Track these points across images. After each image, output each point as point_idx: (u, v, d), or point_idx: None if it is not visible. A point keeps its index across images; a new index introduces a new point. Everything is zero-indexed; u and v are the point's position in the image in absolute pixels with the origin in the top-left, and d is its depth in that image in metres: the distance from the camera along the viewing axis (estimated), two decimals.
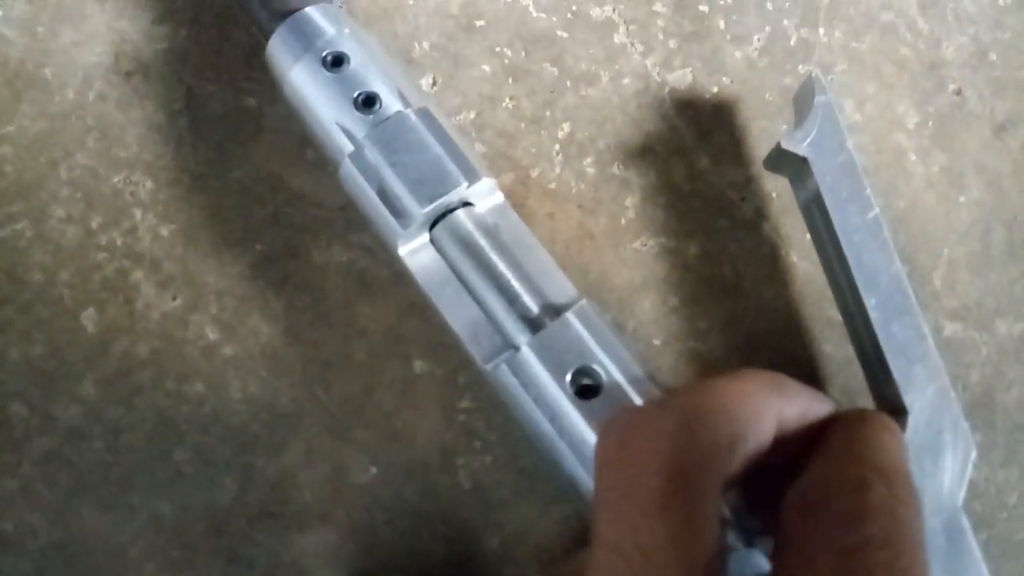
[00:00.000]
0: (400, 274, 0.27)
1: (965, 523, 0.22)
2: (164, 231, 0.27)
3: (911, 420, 0.23)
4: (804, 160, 0.25)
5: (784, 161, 0.26)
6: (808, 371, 0.27)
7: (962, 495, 0.23)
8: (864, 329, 0.24)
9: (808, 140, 0.25)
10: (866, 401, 0.25)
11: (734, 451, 0.18)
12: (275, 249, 0.27)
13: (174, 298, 0.26)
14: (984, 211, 0.30)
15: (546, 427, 0.23)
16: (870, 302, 0.24)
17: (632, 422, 0.19)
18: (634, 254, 0.28)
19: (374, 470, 0.25)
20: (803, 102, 0.27)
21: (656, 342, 0.27)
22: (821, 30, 0.32)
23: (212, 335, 0.26)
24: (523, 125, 0.30)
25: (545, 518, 0.25)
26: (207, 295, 0.27)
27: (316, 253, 0.27)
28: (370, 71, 0.26)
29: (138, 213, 0.27)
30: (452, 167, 0.24)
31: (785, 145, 0.25)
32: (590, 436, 0.22)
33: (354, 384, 0.26)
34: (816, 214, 0.25)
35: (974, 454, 0.23)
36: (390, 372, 0.26)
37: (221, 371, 0.26)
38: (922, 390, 0.23)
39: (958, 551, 0.22)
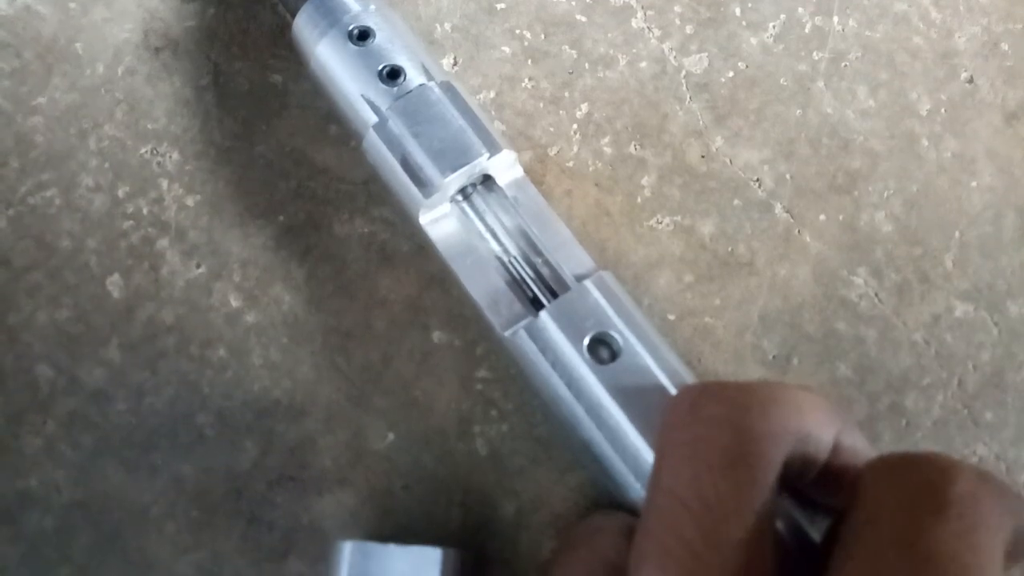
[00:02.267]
0: (420, 247, 0.27)
1: None
2: (190, 201, 0.28)
3: None
4: None
5: None
6: (821, 348, 0.27)
7: None
8: None
9: None
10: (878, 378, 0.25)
11: (801, 442, 0.18)
12: (298, 221, 0.28)
13: (198, 266, 0.27)
14: (996, 196, 0.30)
15: (563, 392, 0.23)
16: None
17: (709, 389, 0.20)
18: (650, 232, 0.28)
19: (392, 436, 0.25)
20: None
21: (671, 317, 0.27)
22: (835, 18, 0.32)
23: (235, 303, 0.27)
24: (542, 105, 0.30)
25: (560, 485, 0.25)
26: (231, 264, 0.27)
27: (338, 226, 0.28)
28: (395, 45, 0.26)
29: (164, 183, 0.28)
30: (474, 138, 0.25)
31: None
32: (607, 400, 0.22)
33: (374, 353, 0.26)
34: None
35: None
36: (409, 342, 0.26)
37: (243, 338, 0.26)
38: None
39: None
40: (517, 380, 0.26)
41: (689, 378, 0.23)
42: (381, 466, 0.25)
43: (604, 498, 0.25)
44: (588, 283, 0.24)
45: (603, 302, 0.23)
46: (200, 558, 0.24)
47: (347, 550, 0.21)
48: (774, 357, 0.27)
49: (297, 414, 0.25)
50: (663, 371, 0.23)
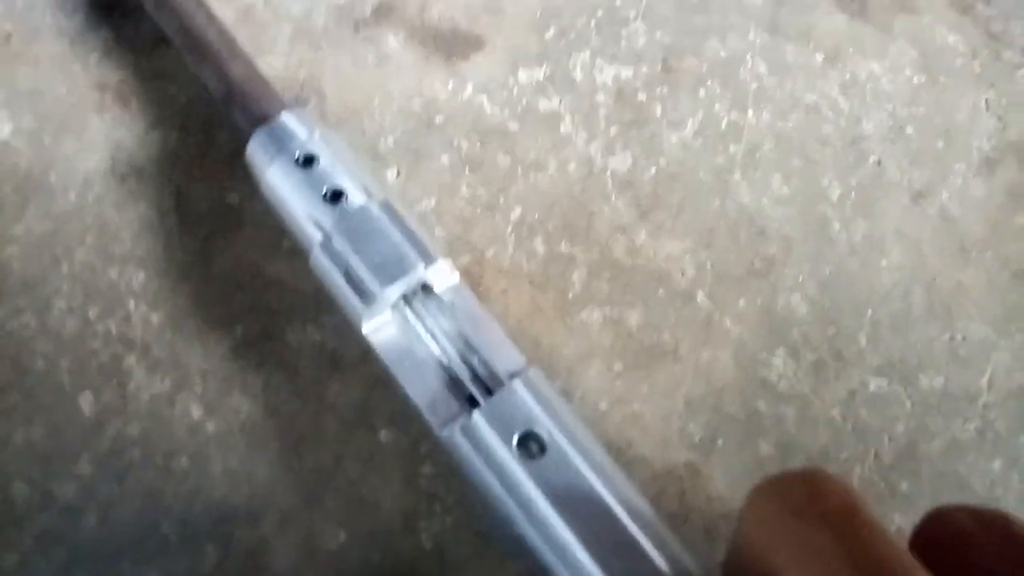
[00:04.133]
0: (367, 352, 0.30)
1: None
2: (154, 318, 0.30)
3: None
4: None
5: None
6: (743, 428, 0.29)
7: None
8: None
9: None
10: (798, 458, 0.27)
11: None
12: (254, 332, 0.30)
13: (163, 380, 0.29)
14: (904, 274, 0.32)
15: (497, 487, 0.25)
16: None
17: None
18: (580, 325, 0.31)
19: (343, 536, 0.27)
20: None
21: (602, 407, 0.29)
22: (750, 112, 0.35)
23: (196, 413, 0.29)
24: (479, 211, 0.33)
25: (502, 574, 0.27)
26: (192, 376, 0.29)
27: (291, 334, 0.30)
28: (337, 169, 0.29)
29: (131, 303, 0.30)
30: (410, 251, 0.27)
31: None
32: (536, 494, 0.24)
33: (325, 455, 0.28)
34: None
35: None
36: (357, 442, 0.28)
37: (204, 447, 0.28)
38: None
39: None
40: (458, 474, 0.28)
41: (613, 469, 0.25)
42: (333, 565, 0.27)
43: None
44: (517, 382, 0.26)
45: (530, 400, 0.25)
46: None
47: None
48: (700, 440, 0.29)
49: (254, 518, 0.27)
50: (588, 465, 0.25)
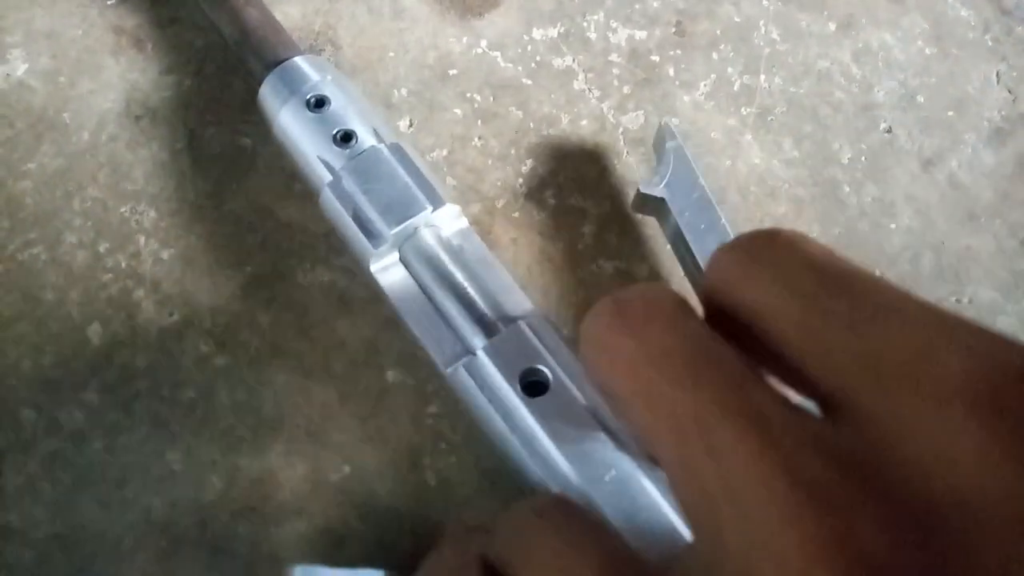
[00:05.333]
0: (376, 293, 0.30)
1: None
2: (165, 255, 0.30)
3: None
4: (662, 200, 0.28)
5: (646, 203, 0.29)
6: None
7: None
8: None
9: (664, 183, 0.29)
10: None
11: None
12: (264, 271, 0.30)
13: (171, 314, 0.29)
14: (914, 237, 0.32)
15: (499, 424, 0.25)
16: None
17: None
18: (590, 275, 0.31)
19: (347, 470, 0.27)
20: (659, 148, 0.30)
21: None
22: (762, 76, 0.35)
23: (204, 348, 0.29)
24: (490, 161, 0.33)
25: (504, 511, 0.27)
26: (202, 312, 0.29)
27: (301, 275, 0.30)
28: (348, 112, 0.29)
29: (142, 239, 0.30)
30: (419, 194, 0.27)
31: (643, 189, 0.29)
32: (538, 431, 0.25)
33: (332, 392, 0.28)
34: (681, 248, 0.28)
35: None
36: (365, 382, 0.29)
37: (211, 380, 0.28)
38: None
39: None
40: (464, 414, 0.28)
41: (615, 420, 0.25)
42: (337, 498, 0.27)
43: None
44: (522, 323, 0.26)
45: (534, 340, 0.26)
46: None
47: (295, 575, 0.23)
48: None
49: (259, 450, 0.27)
50: (591, 404, 0.25)
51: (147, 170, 0.32)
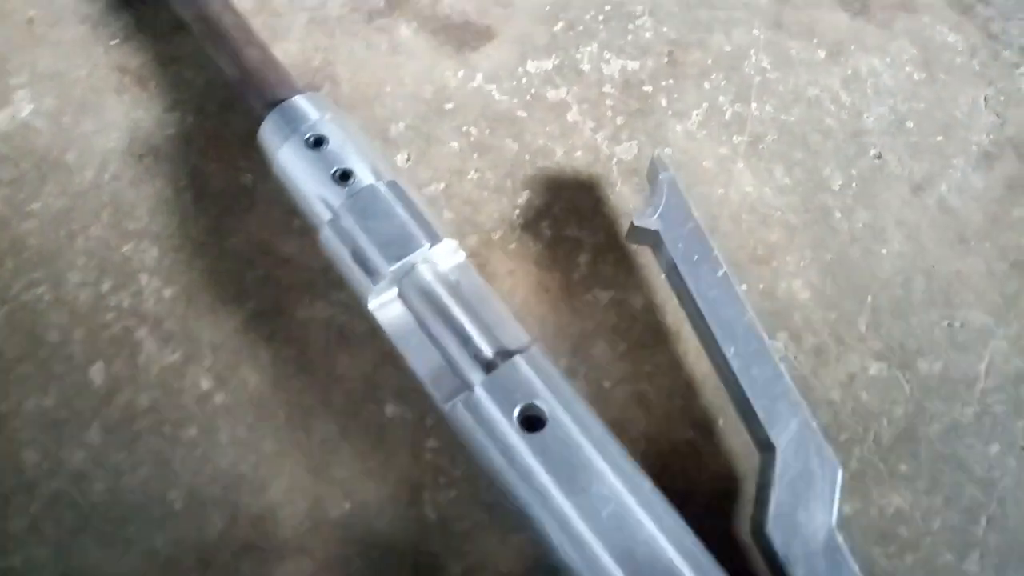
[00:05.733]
0: (375, 328, 0.30)
1: (840, 540, 0.25)
2: (167, 293, 0.31)
3: (780, 454, 0.25)
4: (656, 232, 0.29)
5: (641, 235, 0.30)
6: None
7: (835, 514, 0.25)
8: (729, 375, 0.27)
9: (657, 214, 0.29)
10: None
11: None
12: (265, 307, 0.31)
13: (173, 352, 0.30)
14: (905, 261, 0.33)
15: (498, 460, 0.25)
16: (729, 351, 0.27)
17: None
18: (586, 305, 0.31)
19: (348, 506, 0.28)
20: (652, 179, 0.31)
21: (606, 384, 0.30)
22: (753, 105, 0.36)
23: (206, 385, 0.29)
24: (487, 194, 0.33)
25: (504, 546, 0.27)
26: (203, 349, 0.30)
27: (300, 310, 0.31)
28: (347, 150, 0.30)
29: (144, 278, 0.31)
30: (416, 230, 0.28)
31: (637, 222, 0.29)
32: (536, 467, 0.25)
33: (332, 427, 0.29)
34: (675, 278, 0.29)
35: (840, 473, 0.25)
36: (365, 416, 0.29)
37: (213, 418, 0.29)
38: (786, 425, 0.26)
39: (836, 566, 0.24)
40: (463, 448, 0.28)
41: (613, 444, 0.25)
42: (338, 533, 0.27)
43: (543, 558, 0.27)
44: (519, 358, 0.26)
45: (532, 375, 0.26)
46: None
47: None
48: (702, 418, 0.29)
49: (261, 487, 0.28)
50: (588, 438, 0.25)
51: (150, 207, 0.32)
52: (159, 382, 0.29)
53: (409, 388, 0.29)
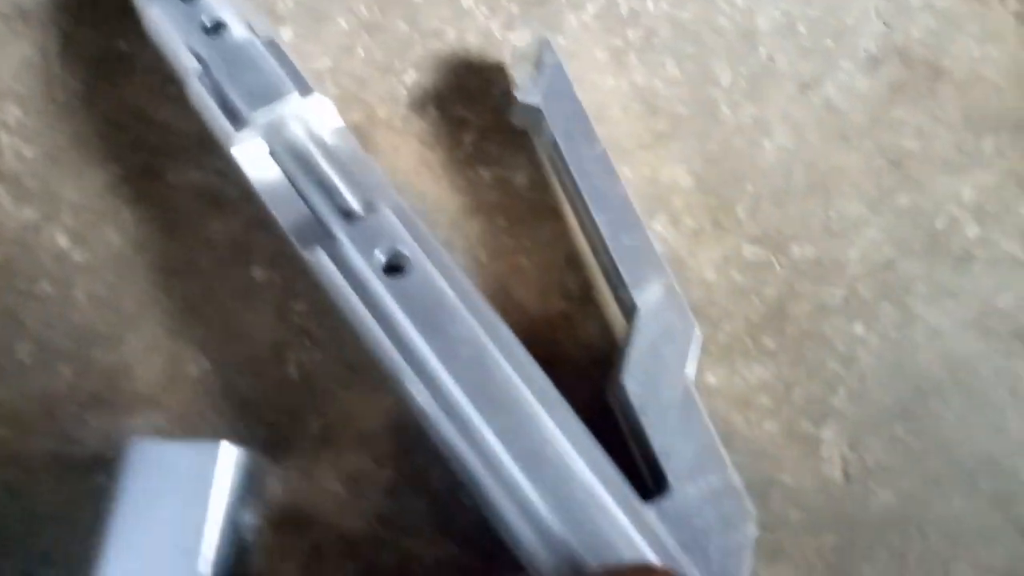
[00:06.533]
0: (248, 193, 0.29)
1: (695, 396, 0.25)
2: (27, 152, 0.29)
3: (641, 314, 0.26)
4: (538, 109, 0.29)
5: (524, 112, 0.30)
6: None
7: (692, 371, 0.25)
8: (600, 244, 0.27)
9: (540, 92, 0.29)
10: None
11: None
12: (133, 170, 0.29)
13: (31, 210, 0.28)
14: (787, 154, 0.33)
15: (359, 306, 0.25)
16: (601, 219, 0.27)
17: None
18: (468, 182, 0.31)
19: (208, 364, 0.27)
20: (538, 61, 0.31)
21: (483, 258, 0.30)
22: (649, 1, 0.36)
23: (64, 243, 0.28)
24: (374, 72, 0.33)
25: (366, 405, 0.27)
26: (63, 208, 0.29)
27: (171, 175, 0.30)
28: (222, 3, 0.29)
29: (3, 135, 0.29)
30: (286, 79, 0.27)
31: (520, 98, 0.29)
32: (397, 312, 0.24)
33: (196, 289, 0.28)
34: (555, 154, 0.29)
35: (698, 333, 0.26)
36: (231, 279, 0.28)
37: (70, 275, 0.28)
38: (650, 288, 0.26)
39: (690, 419, 0.25)
40: (332, 312, 0.28)
41: (475, 293, 0.25)
42: (194, 390, 0.26)
43: (406, 417, 0.27)
44: (384, 208, 0.26)
45: (397, 224, 0.26)
46: (8, 475, 0.25)
47: (130, 446, 0.22)
48: (577, 292, 0.30)
49: (116, 343, 0.27)
50: (450, 286, 0.25)
51: (13, 69, 0.31)
52: (14, 239, 0.28)
53: (279, 252, 0.28)
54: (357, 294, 0.25)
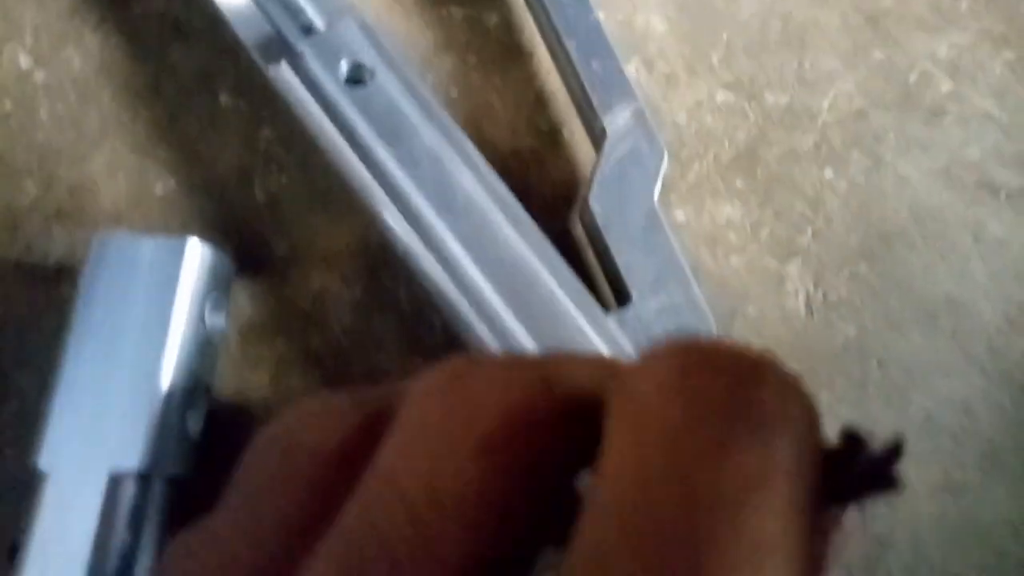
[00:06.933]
0: (214, 21, 0.29)
1: (660, 214, 0.25)
2: None
3: (610, 138, 0.26)
4: None
5: None
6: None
7: (656, 192, 0.26)
8: (570, 70, 0.27)
9: None
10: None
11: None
12: None
13: None
14: (764, 6, 0.33)
15: (323, 121, 0.25)
16: (571, 45, 0.27)
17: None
18: (439, 20, 0.30)
19: (173, 183, 0.27)
20: None
21: (454, 94, 0.29)
22: None
23: (25, 63, 0.28)
24: None
25: (334, 228, 0.27)
26: (23, 28, 0.28)
27: (137, 4, 0.29)
28: None
29: None
30: None
31: None
32: (359, 122, 0.24)
33: (160, 112, 0.27)
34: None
35: (666, 157, 0.26)
36: (197, 105, 0.28)
37: (31, 95, 0.27)
38: (620, 113, 0.26)
39: (655, 237, 0.25)
40: (299, 138, 0.28)
41: (437, 106, 0.25)
42: (160, 208, 0.26)
43: (375, 238, 0.27)
44: (348, 19, 0.25)
45: (360, 36, 0.25)
46: None
47: (96, 241, 0.22)
48: (548, 130, 0.29)
49: (80, 161, 0.26)
50: (413, 98, 0.25)
51: None
52: None
53: (246, 80, 0.28)
54: (320, 106, 0.24)
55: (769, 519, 0.08)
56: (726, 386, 0.09)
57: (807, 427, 0.09)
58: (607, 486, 0.09)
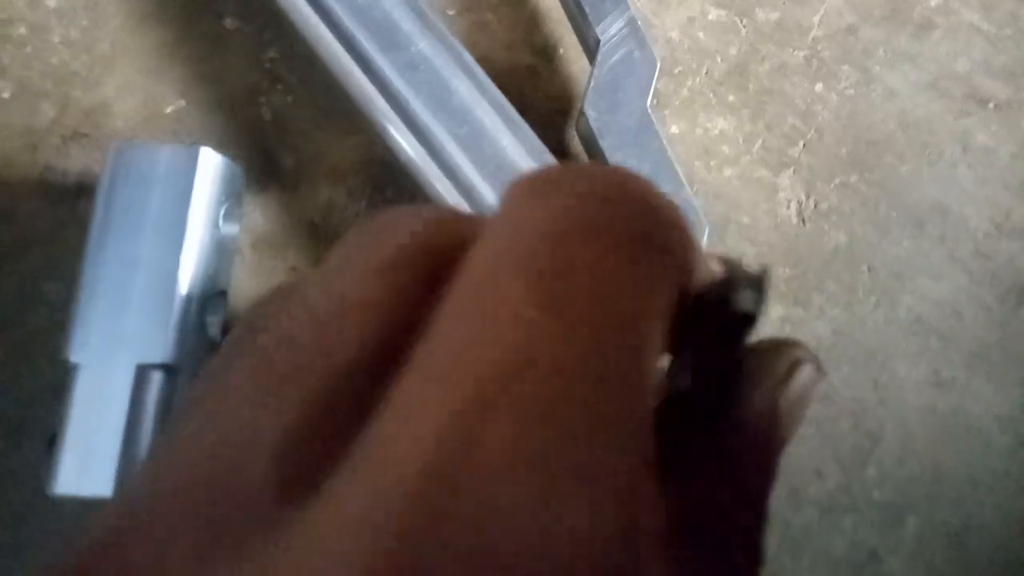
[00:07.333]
0: None
1: (653, 120, 0.26)
2: None
3: (603, 47, 0.27)
4: None
5: None
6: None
7: (649, 98, 0.26)
8: None
9: None
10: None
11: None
12: None
13: None
14: None
15: (320, 30, 0.25)
16: None
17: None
18: None
19: (183, 103, 0.28)
20: None
21: (450, 12, 0.30)
22: None
23: None
24: None
25: (339, 144, 0.28)
26: None
27: None
28: None
29: None
30: None
31: None
32: (358, 30, 0.25)
33: (167, 34, 0.28)
34: None
35: (658, 65, 0.27)
36: (202, 27, 0.29)
37: (45, 20, 0.28)
38: (613, 22, 0.27)
39: (649, 141, 0.26)
40: (303, 60, 0.28)
41: (436, 20, 0.26)
42: (170, 126, 0.27)
43: (379, 154, 0.28)
44: None
45: None
46: None
47: (114, 148, 0.23)
48: (544, 47, 0.30)
49: (93, 83, 0.27)
50: (410, 8, 0.26)
51: None
52: None
53: (250, 3, 0.29)
54: (318, 15, 0.25)
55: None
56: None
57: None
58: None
